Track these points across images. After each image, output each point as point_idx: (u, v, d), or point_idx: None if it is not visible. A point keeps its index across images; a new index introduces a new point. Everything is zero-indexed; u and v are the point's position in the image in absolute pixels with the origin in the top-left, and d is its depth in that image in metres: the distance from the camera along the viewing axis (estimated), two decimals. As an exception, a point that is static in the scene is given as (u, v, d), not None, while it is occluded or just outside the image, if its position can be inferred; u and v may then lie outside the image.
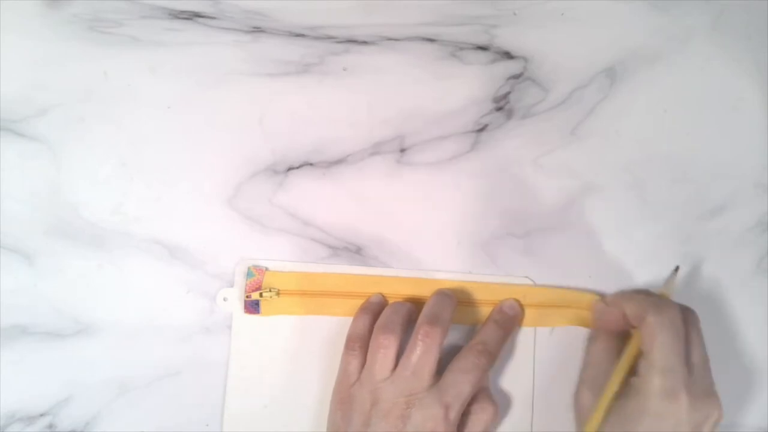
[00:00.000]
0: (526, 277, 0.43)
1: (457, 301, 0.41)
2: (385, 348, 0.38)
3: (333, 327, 0.42)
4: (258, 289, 0.42)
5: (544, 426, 0.42)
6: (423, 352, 0.37)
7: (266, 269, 0.42)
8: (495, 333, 0.40)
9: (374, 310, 0.41)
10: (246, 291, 0.42)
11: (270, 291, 0.42)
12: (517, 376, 0.42)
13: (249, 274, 0.42)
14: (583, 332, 0.42)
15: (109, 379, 0.42)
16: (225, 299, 0.43)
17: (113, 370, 0.42)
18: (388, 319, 0.40)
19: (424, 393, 0.37)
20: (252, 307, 0.42)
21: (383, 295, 0.42)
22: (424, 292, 0.42)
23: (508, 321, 0.41)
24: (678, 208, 0.43)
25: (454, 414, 0.37)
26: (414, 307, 0.41)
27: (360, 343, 0.40)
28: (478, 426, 0.38)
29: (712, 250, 0.43)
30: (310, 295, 0.42)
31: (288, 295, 0.42)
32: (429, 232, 0.43)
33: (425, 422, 0.36)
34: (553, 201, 0.43)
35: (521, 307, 0.42)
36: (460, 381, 0.38)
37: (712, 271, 0.43)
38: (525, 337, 0.42)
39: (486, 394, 0.39)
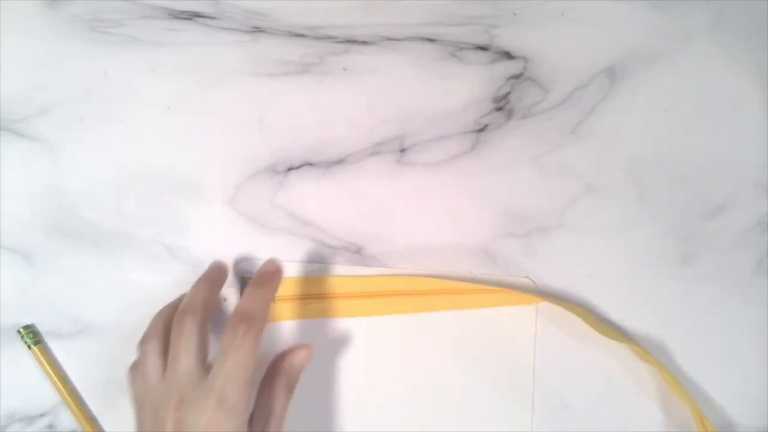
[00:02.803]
0: (526, 277, 0.43)
1: (222, 277, 0.39)
2: (149, 353, 0.36)
3: (331, 329, 0.42)
4: None
5: (544, 426, 0.42)
6: (179, 343, 0.35)
7: None
8: (253, 296, 0.37)
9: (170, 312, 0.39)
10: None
11: None
12: (517, 376, 0.42)
13: (243, 282, 0.42)
14: (584, 332, 0.42)
15: (110, 379, 0.42)
16: (225, 299, 0.43)
17: (113, 371, 0.42)
18: (147, 330, 0.38)
19: (191, 387, 0.34)
20: None
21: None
22: (422, 290, 0.42)
23: (265, 278, 0.39)
24: (678, 208, 0.43)
25: (232, 399, 0.33)
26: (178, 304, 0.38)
27: (161, 333, 0.38)
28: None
29: (712, 250, 0.43)
30: (306, 299, 0.42)
31: (284, 301, 0.42)
32: (429, 232, 0.43)
33: (200, 420, 0.33)
34: (553, 201, 0.43)
35: (280, 263, 0.40)
36: (229, 361, 0.34)
37: (712, 271, 0.43)
38: (525, 337, 0.42)
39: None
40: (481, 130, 0.43)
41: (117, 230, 0.43)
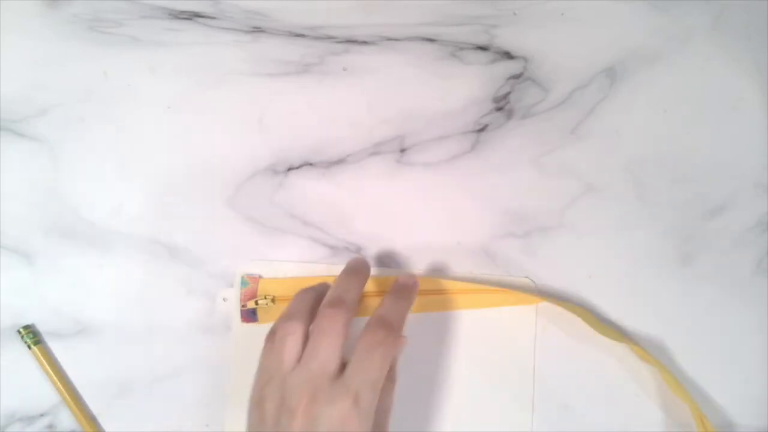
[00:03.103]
0: (526, 277, 0.43)
1: (368, 275, 0.39)
2: (290, 335, 0.35)
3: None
4: (253, 297, 0.42)
5: (544, 426, 0.42)
6: (323, 337, 0.34)
7: (260, 277, 0.42)
8: (393, 305, 0.37)
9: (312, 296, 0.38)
10: (241, 300, 0.42)
11: (265, 298, 0.41)
12: (517, 376, 0.42)
13: (242, 282, 0.42)
14: (584, 332, 0.42)
15: (109, 379, 0.42)
16: (225, 299, 0.43)
17: (113, 370, 0.42)
18: (293, 307, 0.37)
19: (327, 384, 0.33)
20: (249, 315, 0.42)
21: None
22: (423, 290, 0.42)
23: (405, 291, 0.39)
24: (678, 208, 0.43)
25: (366, 401, 0.33)
26: (324, 291, 0.38)
27: (305, 318, 0.37)
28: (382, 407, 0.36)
29: (712, 250, 0.43)
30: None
31: (284, 301, 0.42)
32: (429, 232, 0.43)
33: (334, 417, 0.33)
34: (553, 201, 0.43)
35: (416, 278, 0.40)
36: (366, 363, 0.34)
37: (712, 271, 0.43)
38: (525, 337, 0.42)
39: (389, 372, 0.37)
40: (481, 130, 0.43)
41: (117, 230, 0.43)
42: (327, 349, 0.34)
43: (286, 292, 0.42)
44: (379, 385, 0.34)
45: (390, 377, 0.37)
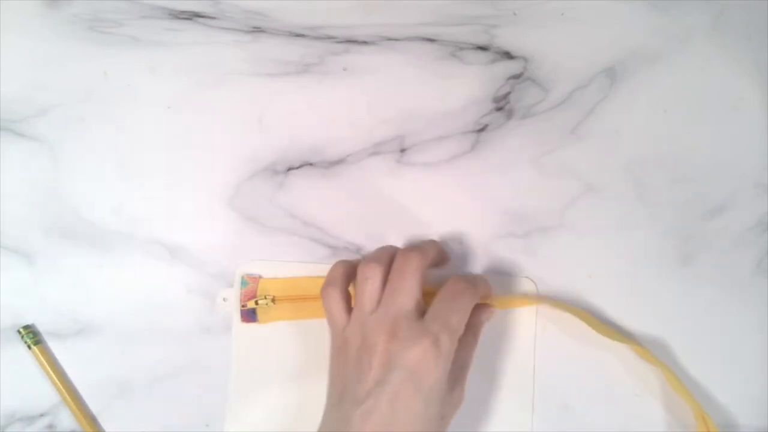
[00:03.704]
0: (526, 277, 0.43)
1: (440, 245, 0.41)
2: (370, 278, 0.36)
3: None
4: (253, 297, 0.42)
5: (544, 426, 0.42)
6: (402, 278, 0.35)
7: (260, 277, 0.42)
8: (471, 276, 0.40)
9: (353, 262, 0.39)
10: (241, 300, 0.42)
11: (265, 298, 0.41)
12: (517, 376, 0.42)
13: (242, 282, 0.42)
14: (584, 332, 0.41)
15: (109, 379, 0.42)
16: (225, 299, 0.43)
17: (113, 370, 0.42)
18: (373, 254, 0.38)
19: (406, 324, 0.34)
20: (249, 315, 0.42)
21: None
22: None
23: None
24: (678, 208, 0.43)
25: (445, 345, 0.34)
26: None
27: (340, 281, 0.38)
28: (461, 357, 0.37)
29: (712, 250, 0.43)
30: (306, 299, 0.42)
31: (284, 301, 0.42)
32: (429, 232, 0.43)
33: (413, 355, 0.34)
34: (553, 201, 0.43)
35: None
36: (446, 309, 0.35)
37: (712, 271, 0.43)
38: (525, 337, 0.42)
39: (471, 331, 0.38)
40: (481, 130, 0.43)
41: (117, 230, 0.43)
42: (407, 291, 0.35)
43: (286, 292, 0.42)
44: (458, 333, 0.35)
45: (473, 333, 0.39)
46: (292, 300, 0.42)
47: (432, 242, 0.41)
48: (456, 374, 0.37)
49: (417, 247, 0.38)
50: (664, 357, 0.42)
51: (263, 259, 0.43)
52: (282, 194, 0.43)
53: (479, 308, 0.39)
